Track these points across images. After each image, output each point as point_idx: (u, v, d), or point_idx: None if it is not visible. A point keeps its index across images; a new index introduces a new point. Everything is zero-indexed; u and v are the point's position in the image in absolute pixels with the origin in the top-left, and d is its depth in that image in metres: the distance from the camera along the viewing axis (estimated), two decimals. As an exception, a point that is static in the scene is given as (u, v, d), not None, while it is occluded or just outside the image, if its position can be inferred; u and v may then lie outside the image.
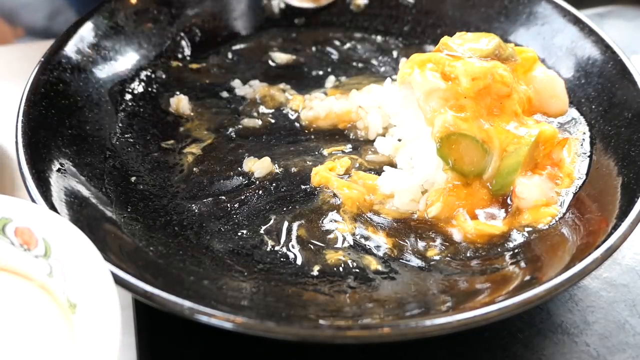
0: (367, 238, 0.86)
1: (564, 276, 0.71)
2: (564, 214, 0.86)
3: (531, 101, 0.97)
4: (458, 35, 0.95)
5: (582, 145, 0.96)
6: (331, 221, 0.88)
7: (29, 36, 1.60)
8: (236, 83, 1.10)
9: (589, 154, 0.94)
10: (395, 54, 1.18)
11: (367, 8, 1.23)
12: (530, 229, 0.86)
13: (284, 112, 1.06)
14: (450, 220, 0.87)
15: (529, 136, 0.88)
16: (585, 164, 0.92)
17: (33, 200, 0.77)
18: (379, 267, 0.82)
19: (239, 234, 0.86)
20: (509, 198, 0.88)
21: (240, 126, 1.03)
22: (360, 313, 0.75)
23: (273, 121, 1.04)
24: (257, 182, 0.94)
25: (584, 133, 0.97)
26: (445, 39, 0.95)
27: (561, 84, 1.00)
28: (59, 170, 0.84)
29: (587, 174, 0.91)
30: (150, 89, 1.07)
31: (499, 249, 0.84)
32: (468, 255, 0.84)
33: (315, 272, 0.81)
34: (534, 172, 0.89)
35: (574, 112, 1.00)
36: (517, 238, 0.85)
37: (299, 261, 0.83)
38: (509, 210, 0.88)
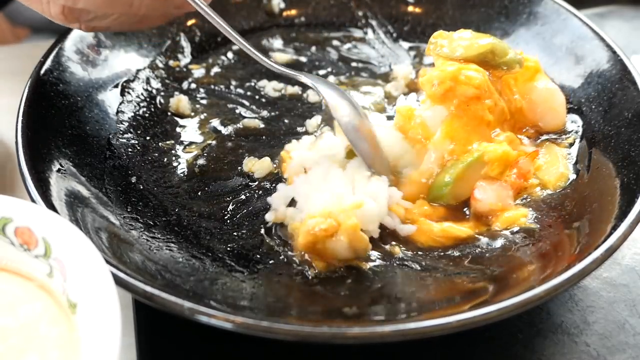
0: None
1: (564, 276, 0.71)
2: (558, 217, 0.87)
3: (523, 112, 0.97)
4: (458, 33, 0.96)
5: (581, 145, 0.96)
6: (331, 221, 0.88)
7: (32, 34, 1.60)
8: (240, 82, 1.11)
9: (589, 154, 0.94)
10: (395, 54, 1.18)
11: (367, 8, 1.23)
12: (529, 229, 0.86)
13: (284, 112, 1.06)
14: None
15: (473, 153, 0.89)
16: (584, 165, 0.93)
17: (33, 200, 0.77)
18: (379, 268, 0.82)
19: (239, 234, 0.86)
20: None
21: (240, 126, 1.03)
22: (360, 313, 0.75)
23: (273, 121, 1.04)
24: (257, 182, 0.94)
25: (584, 133, 0.97)
26: (438, 34, 0.96)
27: (561, 98, 0.99)
28: (59, 170, 0.84)
29: (587, 174, 0.91)
30: (150, 89, 1.07)
31: (498, 250, 0.84)
32: (468, 255, 0.84)
33: (315, 272, 0.81)
34: (499, 179, 0.89)
35: (574, 112, 1.00)
36: (516, 239, 0.85)
37: (298, 261, 0.83)
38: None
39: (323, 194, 0.85)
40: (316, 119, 1.03)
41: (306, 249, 0.82)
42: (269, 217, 0.87)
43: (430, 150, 0.90)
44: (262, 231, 0.86)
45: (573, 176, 0.92)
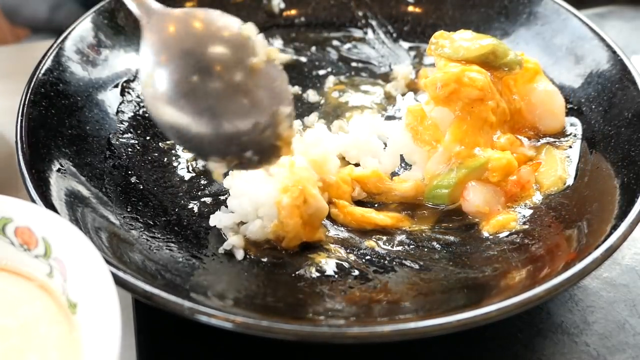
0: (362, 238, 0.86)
1: (564, 276, 0.71)
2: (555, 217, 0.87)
3: (522, 113, 0.97)
4: (459, 34, 0.96)
5: (581, 145, 0.96)
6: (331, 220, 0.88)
7: (32, 33, 1.60)
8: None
9: (589, 154, 0.94)
10: (395, 54, 1.18)
11: (367, 8, 1.23)
12: (524, 230, 0.86)
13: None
14: None
15: (477, 158, 0.89)
16: (584, 165, 0.93)
17: (33, 200, 0.77)
18: (379, 267, 0.82)
19: (239, 234, 0.86)
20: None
21: (240, 126, 1.03)
22: (360, 313, 0.75)
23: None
24: (257, 182, 0.94)
25: (584, 133, 0.97)
26: (439, 34, 0.96)
27: (560, 101, 0.99)
28: (59, 170, 0.84)
29: (587, 175, 0.91)
30: (150, 89, 1.07)
31: (497, 250, 0.84)
32: (467, 255, 0.84)
33: (315, 272, 0.81)
34: (494, 184, 0.89)
35: (574, 112, 1.00)
36: (515, 239, 0.85)
37: (298, 261, 0.83)
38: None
39: (262, 190, 0.84)
40: (314, 115, 1.04)
41: (300, 228, 0.82)
42: (239, 255, 0.83)
43: (438, 151, 0.90)
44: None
45: (571, 179, 0.92)
